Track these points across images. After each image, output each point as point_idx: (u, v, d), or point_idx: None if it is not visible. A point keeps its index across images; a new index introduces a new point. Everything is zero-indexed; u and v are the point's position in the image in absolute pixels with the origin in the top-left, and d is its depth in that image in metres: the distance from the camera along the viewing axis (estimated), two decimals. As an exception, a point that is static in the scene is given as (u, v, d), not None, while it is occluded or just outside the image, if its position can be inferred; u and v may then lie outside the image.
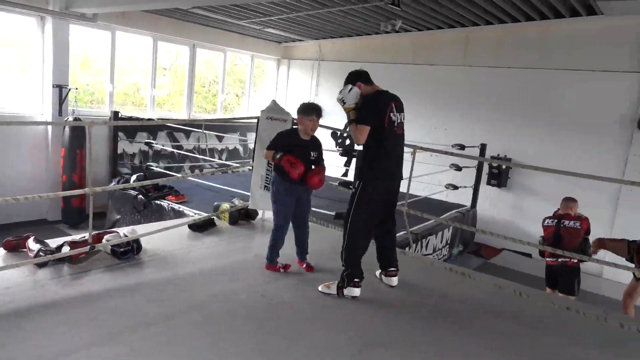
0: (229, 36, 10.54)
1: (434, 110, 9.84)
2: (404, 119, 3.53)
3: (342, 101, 3.44)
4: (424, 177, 8.42)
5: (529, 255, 8.55)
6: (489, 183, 9.11)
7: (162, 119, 8.84)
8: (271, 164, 4.56)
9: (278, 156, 3.62)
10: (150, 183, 5.73)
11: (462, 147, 8.59)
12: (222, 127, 10.51)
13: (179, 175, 8.05)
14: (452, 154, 5.05)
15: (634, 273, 4.94)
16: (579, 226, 5.06)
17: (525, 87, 8.79)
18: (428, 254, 7.05)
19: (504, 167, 8.98)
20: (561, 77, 8.39)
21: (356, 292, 3.41)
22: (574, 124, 8.33)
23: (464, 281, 3.96)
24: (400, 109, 3.49)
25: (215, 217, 4.88)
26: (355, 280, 3.42)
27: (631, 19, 7.60)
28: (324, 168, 3.83)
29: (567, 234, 5.09)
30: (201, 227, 4.61)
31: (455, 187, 8.73)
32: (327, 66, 11.28)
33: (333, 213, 5.89)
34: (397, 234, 6.15)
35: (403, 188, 3.76)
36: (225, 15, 8.88)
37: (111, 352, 2.47)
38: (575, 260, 5.02)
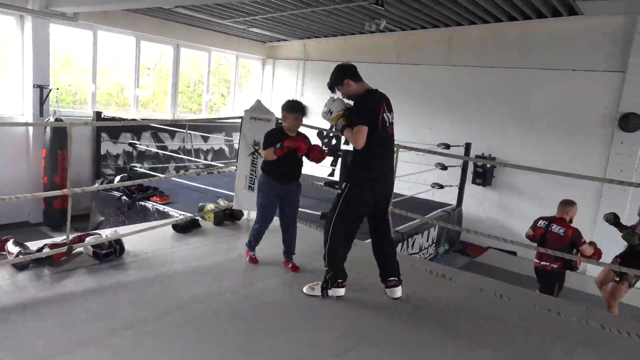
0: (214, 36, 10.47)
1: (419, 110, 9.89)
2: (393, 118, 3.43)
3: (328, 113, 3.33)
4: (409, 176, 8.47)
5: (514, 254, 8.65)
6: (474, 182, 9.19)
7: (145, 120, 8.74)
8: (255, 164, 4.55)
9: (278, 145, 3.61)
10: (133, 184, 5.68)
11: (448, 146, 8.65)
12: (208, 127, 10.43)
13: (163, 175, 7.97)
14: (435, 152, 5.09)
15: (614, 278, 5.05)
16: (562, 233, 5.00)
17: (508, 86, 8.89)
18: (414, 253, 7.08)
19: (488, 166, 9.07)
20: (543, 76, 8.50)
21: (340, 292, 3.38)
22: (556, 123, 8.45)
23: (445, 282, 3.97)
24: (390, 108, 3.37)
25: (199, 218, 4.84)
26: (339, 280, 3.37)
27: (611, 19, 7.74)
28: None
29: (550, 239, 5.05)
30: (185, 228, 4.56)
31: (441, 186, 8.78)
32: (312, 66, 11.27)
33: (319, 213, 5.88)
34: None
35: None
36: (209, 15, 8.82)
37: (93, 355, 2.42)
38: (555, 266, 5.09)
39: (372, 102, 3.26)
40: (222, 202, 5.02)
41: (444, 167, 8.57)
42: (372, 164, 3.30)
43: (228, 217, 4.99)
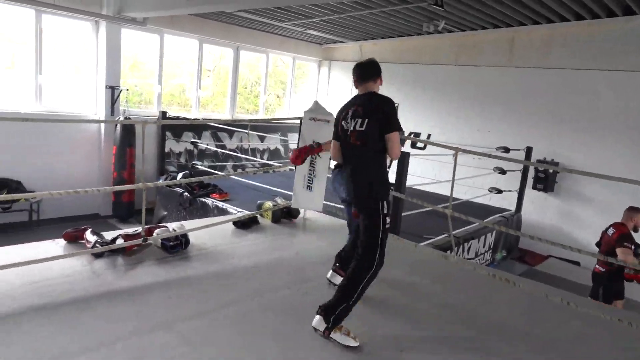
0: (272, 38, 10.72)
1: (477, 112, 9.67)
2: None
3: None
4: (466, 180, 8.30)
5: (577, 263, 8.26)
6: (534, 187, 8.86)
7: (207, 119, 9.11)
8: (314, 164, 4.64)
9: None
10: (195, 180, 5.94)
11: (507, 150, 8.40)
12: (264, 127, 10.70)
13: (222, 173, 8.26)
14: (494, 156, 4.96)
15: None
16: (611, 234, 5.00)
17: (574, 88, 8.49)
18: (470, 258, 6.93)
19: (550, 171, 8.71)
20: (613, 78, 8.06)
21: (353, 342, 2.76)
22: (626, 128, 7.99)
23: (507, 288, 3.88)
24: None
25: (258, 215, 4.99)
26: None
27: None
28: None
29: (604, 242, 5.13)
30: (245, 224, 4.72)
31: (499, 191, 8.53)
32: (369, 67, 11.25)
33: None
34: (439, 237, 6.14)
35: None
36: (269, 18, 9.04)
37: (162, 339, 2.58)
38: (603, 269, 5.14)
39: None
40: (280, 201, 5.15)
41: (502, 172, 8.32)
42: (387, 173, 3.03)
43: (285, 215, 5.11)
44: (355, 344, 2.70)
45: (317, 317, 2.77)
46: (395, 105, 2.96)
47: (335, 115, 3.20)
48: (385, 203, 2.85)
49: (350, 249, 3.40)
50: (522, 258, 8.66)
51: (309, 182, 4.64)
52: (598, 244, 5.31)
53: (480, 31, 9.13)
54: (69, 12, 7.35)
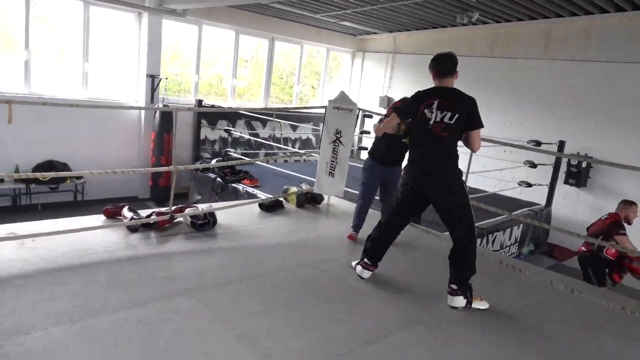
0: (306, 29, 10.90)
1: (510, 105, 9.56)
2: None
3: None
4: (495, 172, 8.28)
5: (608, 260, 8.11)
6: (566, 182, 8.72)
7: (236, 108, 9.46)
8: (336, 151, 4.82)
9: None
10: (225, 164, 6.28)
11: (538, 143, 8.30)
12: (297, 117, 10.93)
13: (249, 160, 8.56)
14: (522, 147, 5.00)
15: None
16: (604, 218, 5.37)
17: (611, 82, 8.27)
18: (495, 250, 6.95)
19: (583, 165, 8.55)
20: (653, 71, 7.82)
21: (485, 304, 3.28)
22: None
23: (513, 274, 3.96)
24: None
25: (283, 199, 5.22)
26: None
27: None
28: None
29: (595, 224, 5.50)
30: (270, 207, 4.96)
31: (529, 185, 8.45)
32: (401, 59, 11.30)
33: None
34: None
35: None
36: (303, 9, 9.22)
37: (188, 303, 2.85)
38: (585, 249, 5.48)
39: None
40: (305, 186, 5.36)
41: (533, 165, 8.23)
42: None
43: (309, 200, 5.32)
44: (487, 305, 3.23)
45: (452, 297, 3.19)
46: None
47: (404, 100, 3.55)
48: (465, 184, 3.30)
49: (381, 240, 3.48)
50: (551, 253, 8.57)
51: (331, 169, 4.82)
52: (588, 229, 5.62)
53: (515, 22, 9.01)
54: (114, 3, 7.78)
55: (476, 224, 6.07)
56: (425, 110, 3.15)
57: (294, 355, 2.50)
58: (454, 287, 3.19)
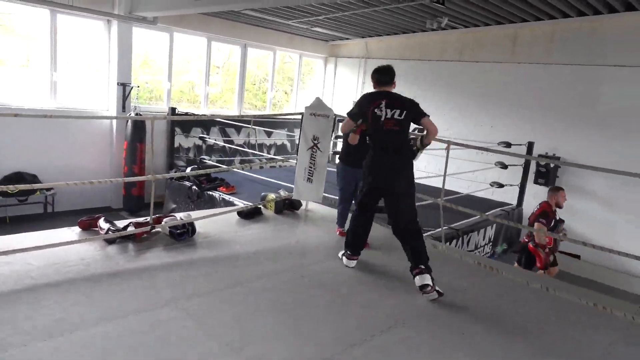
0: (279, 36, 10.93)
1: (480, 107, 9.80)
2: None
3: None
4: (468, 174, 8.47)
5: (578, 257, 8.39)
6: (536, 182, 8.98)
7: (212, 115, 9.37)
8: (314, 157, 4.85)
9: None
10: (200, 173, 6.23)
11: (508, 144, 8.54)
12: (271, 123, 10.92)
13: (226, 167, 8.52)
14: (491, 150, 5.12)
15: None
16: (535, 210, 5.84)
17: (576, 84, 8.60)
18: (470, 251, 7.10)
19: (552, 165, 8.83)
20: (615, 74, 8.14)
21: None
22: (626, 123, 8.08)
23: (491, 275, 4.06)
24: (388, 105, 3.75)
25: (262, 206, 5.22)
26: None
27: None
28: None
29: (531, 215, 5.94)
30: (249, 214, 4.95)
31: (501, 185, 8.68)
32: (374, 64, 11.29)
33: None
34: (439, 229, 6.28)
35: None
36: (275, 16, 9.25)
37: (170, 314, 2.82)
38: (527, 239, 5.99)
39: None
40: (283, 193, 5.37)
41: (504, 166, 8.47)
42: None
43: (288, 206, 5.32)
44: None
45: (423, 275, 3.42)
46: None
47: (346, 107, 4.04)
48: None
49: (357, 233, 3.91)
50: (523, 251, 8.78)
51: (309, 175, 4.85)
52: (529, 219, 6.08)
53: (483, 27, 9.26)
54: (82, 11, 7.63)
55: (452, 225, 6.25)
56: (375, 110, 3.63)
57: (279, 361, 2.51)
58: (422, 266, 3.48)
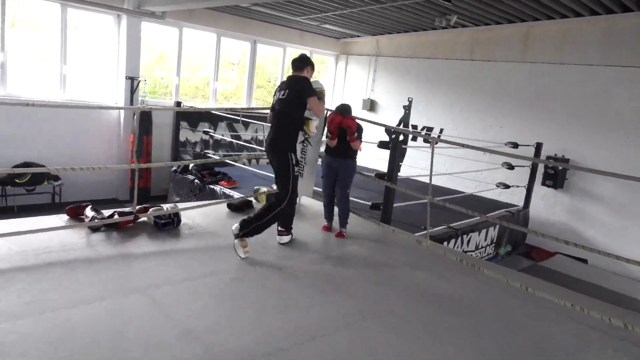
0: (289, 32, 10.94)
1: (490, 108, 9.65)
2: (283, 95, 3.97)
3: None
4: (474, 173, 8.36)
5: (585, 261, 8.19)
6: (544, 184, 8.80)
7: (214, 108, 9.48)
8: (305, 152, 4.85)
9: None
10: (187, 163, 6.31)
11: (515, 145, 8.37)
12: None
13: (218, 158, 8.57)
14: (476, 148, 5.01)
15: None
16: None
17: (588, 85, 8.37)
18: (469, 251, 6.99)
19: (560, 167, 8.63)
20: (628, 74, 7.91)
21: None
22: (637, 125, 7.84)
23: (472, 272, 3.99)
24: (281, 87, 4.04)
25: (253, 199, 5.23)
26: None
27: None
28: None
29: None
30: (239, 207, 4.98)
31: (507, 186, 8.52)
32: (384, 62, 11.37)
33: (369, 203, 6.05)
34: (436, 228, 6.21)
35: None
36: (284, 12, 9.26)
37: (135, 301, 2.86)
38: None
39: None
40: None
41: (510, 167, 8.31)
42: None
43: (280, 200, 5.32)
44: (244, 256, 3.70)
45: (237, 224, 3.76)
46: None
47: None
48: (292, 155, 3.92)
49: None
50: (529, 254, 8.62)
51: (300, 170, 4.84)
52: None
53: (494, 26, 9.09)
54: (92, 5, 7.78)
55: (451, 225, 6.17)
56: (275, 93, 4.06)
57: (235, 349, 2.51)
58: (282, 229, 4.13)
